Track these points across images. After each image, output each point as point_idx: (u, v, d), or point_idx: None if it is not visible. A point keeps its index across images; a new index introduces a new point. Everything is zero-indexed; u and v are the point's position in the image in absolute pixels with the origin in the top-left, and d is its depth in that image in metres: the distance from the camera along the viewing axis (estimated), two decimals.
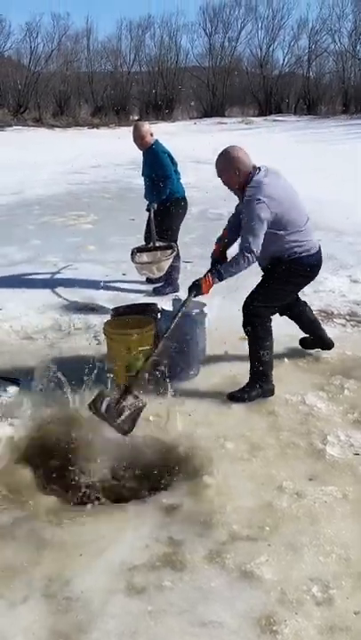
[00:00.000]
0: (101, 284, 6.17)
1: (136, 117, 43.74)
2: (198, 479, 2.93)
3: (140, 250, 5.75)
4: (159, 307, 4.43)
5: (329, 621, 2.15)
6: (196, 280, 3.66)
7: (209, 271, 3.69)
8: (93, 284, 6.17)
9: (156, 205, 5.75)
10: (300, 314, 4.33)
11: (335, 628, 2.12)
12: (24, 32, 45.23)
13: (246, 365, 3.86)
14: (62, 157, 18.84)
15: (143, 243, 5.90)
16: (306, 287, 5.30)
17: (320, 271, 4.02)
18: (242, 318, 3.81)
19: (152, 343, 3.93)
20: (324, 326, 4.94)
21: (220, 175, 3.78)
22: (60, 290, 6.06)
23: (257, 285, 3.91)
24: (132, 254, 5.68)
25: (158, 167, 5.73)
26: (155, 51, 46.69)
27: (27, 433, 3.38)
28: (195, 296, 3.65)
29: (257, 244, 3.57)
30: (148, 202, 5.87)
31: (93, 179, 14.70)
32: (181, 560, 2.43)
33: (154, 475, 3.06)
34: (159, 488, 2.96)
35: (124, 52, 46.67)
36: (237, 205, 3.99)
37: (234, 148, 3.75)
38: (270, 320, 3.87)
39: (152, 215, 5.76)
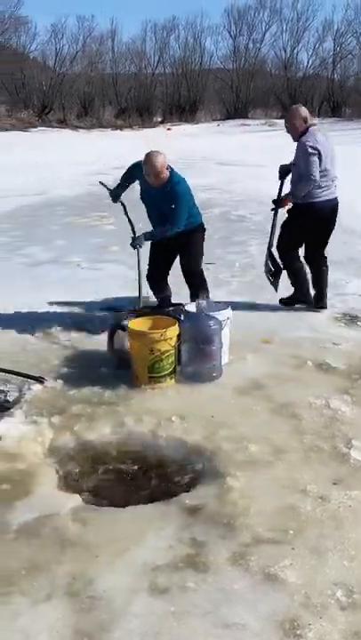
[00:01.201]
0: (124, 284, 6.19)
1: (159, 119, 43.92)
2: (222, 481, 2.92)
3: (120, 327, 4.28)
4: (183, 307, 4.43)
5: (354, 626, 2.13)
6: (275, 199, 5.27)
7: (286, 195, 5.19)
8: (117, 285, 6.19)
9: (142, 245, 4.99)
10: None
11: (360, 634, 2.10)
12: (49, 33, 45.63)
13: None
14: (86, 159, 18.94)
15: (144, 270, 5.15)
16: (328, 291, 5.33)
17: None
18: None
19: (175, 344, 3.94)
20: (348, 329, 4.93)
21: (286, 122, 5.19)
22: (83, 290, 6.09)
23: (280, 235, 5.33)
24: (111, 331, 4.34)
25: (172, 212, 4.83)
26: (179, 52, 47.04)
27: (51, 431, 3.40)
28: (278, 208, 5.29)
29: (312, 171, 4.86)
30: (137, 236, 5.05)
31: (117, 179, 14.71)
32: (205, 561, 2.43)
33: (177, 476, 3.07)
34: (182, 489, 2.96)
35: (148, 54, 47.06)
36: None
37: (300, 107, 5.20)
38: (294, 252, 5.30)
39: (139, 258, 5.03)
